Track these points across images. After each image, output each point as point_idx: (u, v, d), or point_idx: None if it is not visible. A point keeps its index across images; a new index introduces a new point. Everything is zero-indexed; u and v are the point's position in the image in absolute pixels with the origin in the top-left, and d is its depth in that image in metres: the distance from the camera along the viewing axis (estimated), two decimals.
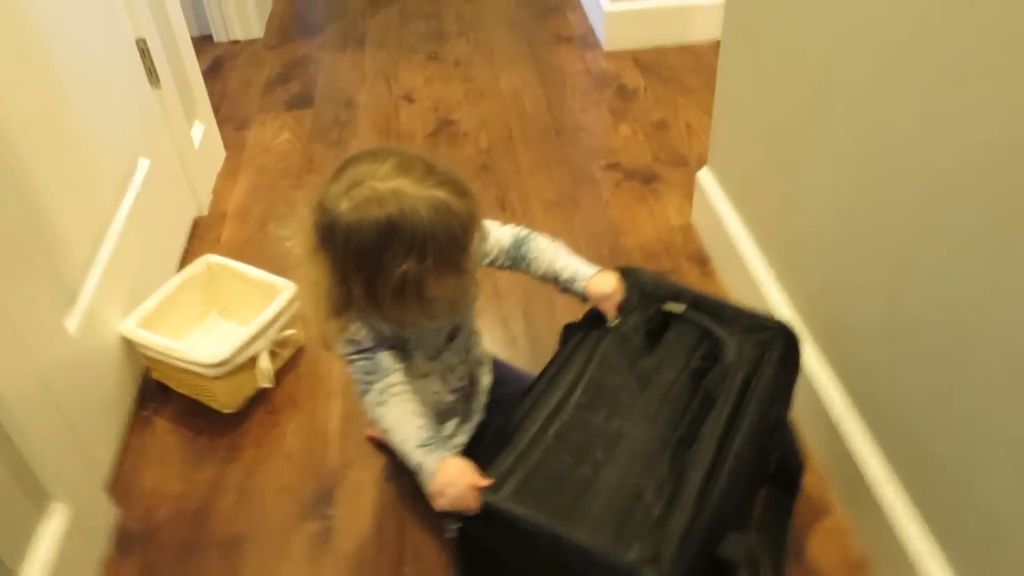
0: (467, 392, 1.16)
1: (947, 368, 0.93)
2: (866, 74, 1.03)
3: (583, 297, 1.10)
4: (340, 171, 0.92)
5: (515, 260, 1.12)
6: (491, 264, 1.12)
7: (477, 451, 0.99)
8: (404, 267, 0.88)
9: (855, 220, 1.10)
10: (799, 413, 1.30)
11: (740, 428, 0.98)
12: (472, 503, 0.91)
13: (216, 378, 1.34)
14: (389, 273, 0.89)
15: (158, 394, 1.47)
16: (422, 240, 0.88)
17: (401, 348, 1.04)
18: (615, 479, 0.92)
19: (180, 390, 1.45)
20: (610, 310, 1.08)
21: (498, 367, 1.24)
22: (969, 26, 0.82)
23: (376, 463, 1.32)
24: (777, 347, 1.08)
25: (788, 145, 1.29)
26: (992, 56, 0.79)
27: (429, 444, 0.96)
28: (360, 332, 1.00)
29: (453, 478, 0.91)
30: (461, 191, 0.91)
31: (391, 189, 0.88)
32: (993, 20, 0.78)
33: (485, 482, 0.92)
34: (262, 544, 1.22)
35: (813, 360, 1.25)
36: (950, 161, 0.87)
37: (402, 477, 1.29)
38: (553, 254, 1.11)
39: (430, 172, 0.91)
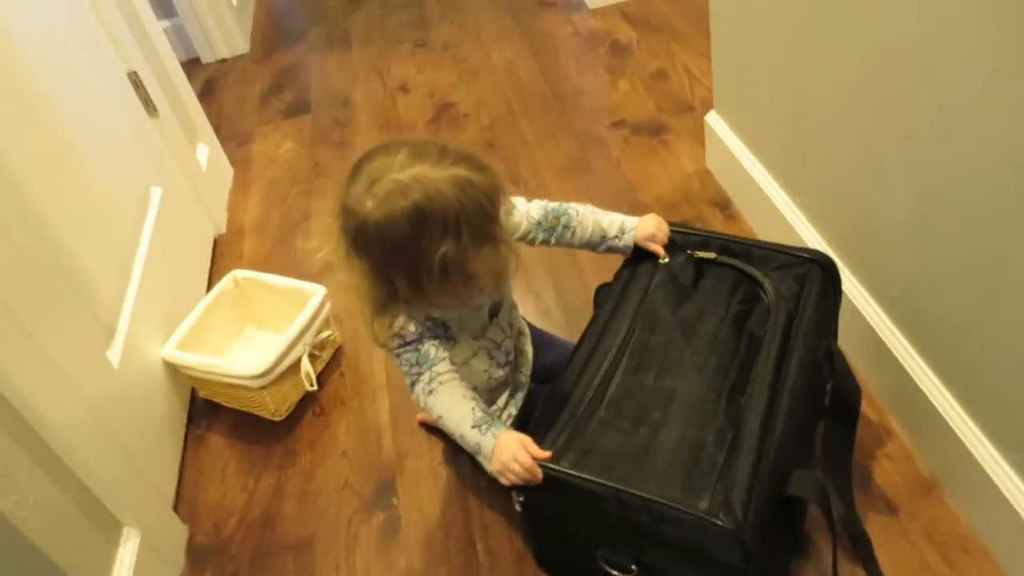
0: (514, 365, 1.17)
1: (987, 280, 0.92)
2: None
3: (629, 249, 1.12)
4: (356, 171, 0.92)
5: (553, 232, 1.12)
6: (523, 239, 1.12)
7: (531, 423, 1.00)
8: (443, 250, 0.88)
9: (871, 142, 1.08)
10: (847, 344, 1.29)
11: (790, 366, 0.98)
12: (536, 475, 0.92)
13: (262, 388, 1.35)
14: (430, 259, 0.89)
15: (207, 411, 1.49)
16: (455, 219, 0.88)
17: (445, 335, 1.04)
18: (675, 435, 0.92)
19: (229, 404, 1.46)
20: (659, 248, 1.11)
21: (535, 335, 1.24)
22: None
23: (432, 449, 1.33)
24: (815, 279, 1.07)
25: (792, 74, 1.27)
26: None
27: (483, 424, 0.97)
28: (407, 325, 1.00)
29: (514, 453, 0.92)
30: (478, 165, 0.92)
31: (412, 176, 0.88)
32: None
33: (545, 454, 0.92)
34: (332, 542, 1.24)
35: (852, 289, 1.24)
36: (962, 66, 0.86)
37: (460, 459, 1.30)
38: (594, 217, 1.13)
39: (444, 153, 0.91)
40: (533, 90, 2.21)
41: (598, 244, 1.14)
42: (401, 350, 1.02)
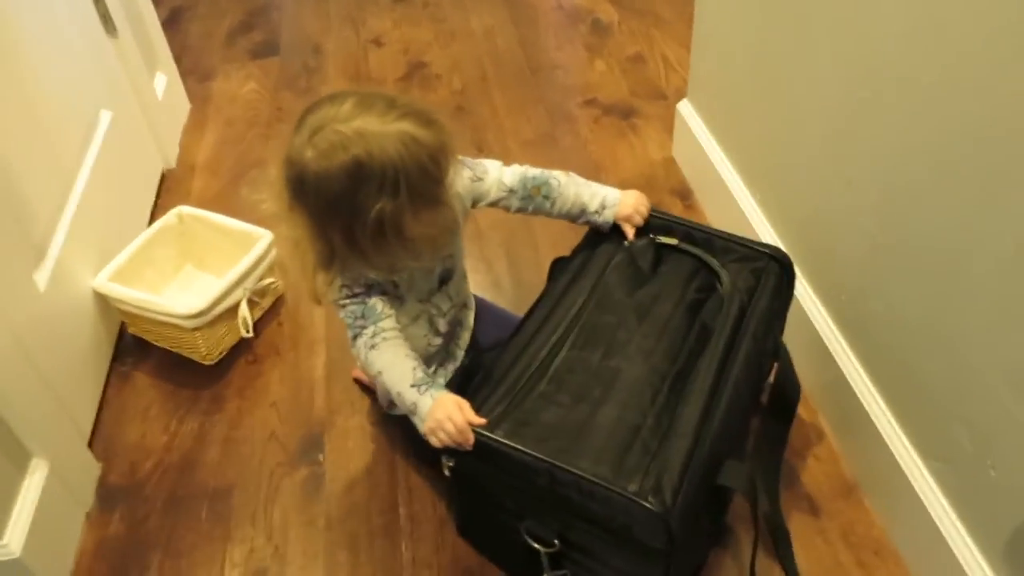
0: (451, 335, 1.14)
1: (936, 290, 0.92)
2: None
3: (608, 225, 1.10)
4: (302, 121, 0.89)
5: (531, 200, 1.09)
6: (494, 205, 1.09)
7: (471, 388, 0.97)
8: (379, 206, 0.85)
9: (841, 144, 1.08)
10: (790, 342, 1.30)
11: (737, 358, 0.97)
12: (468, 438, 0.90)
13: (196, 329, 1.31)
14: (365, 216, 0.86)
15: (136, 349, 1.44)
16: (393, 176, 0.85)
17: (394, 292, 1.02)
18: (613, 415, 0.91)
19: (159, 344, 1.41)
20: (630, 231, 1.09)
21: (481, 307, 1.22)
22: None
23: (364, 407, 1.31)
24: (772, 275, 1.07)
25: (770, 72, 1.26)
26: None
27: (423, 384, 0.95)
28: (350, 281, 0.98)
29: (449, 414, 0.90)
30: (426, 120, 0.88)
31: (354, 129, 0.85)
32: None
33: (480, 420, 0.91)
34: (252, 492, 1.20)
35: (801, 288, 1.24)
36: (934, 77, 0.85)
37: (391, 419, 1.28)
38: (576, 188, 1.10)
39: (391, 106, 0.88)
40: (509, 59, 2.17)
41: (577, 216, 1.11)
42: (347, 301, 0.99)
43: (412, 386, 0.95)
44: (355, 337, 0.99)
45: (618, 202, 1.10)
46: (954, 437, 0.93)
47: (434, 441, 0.92)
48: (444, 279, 1.07)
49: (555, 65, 2.14)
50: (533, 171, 1.09)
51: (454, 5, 2.46)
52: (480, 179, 1.06)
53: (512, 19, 2.35)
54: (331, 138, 0.85)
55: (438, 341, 1.11)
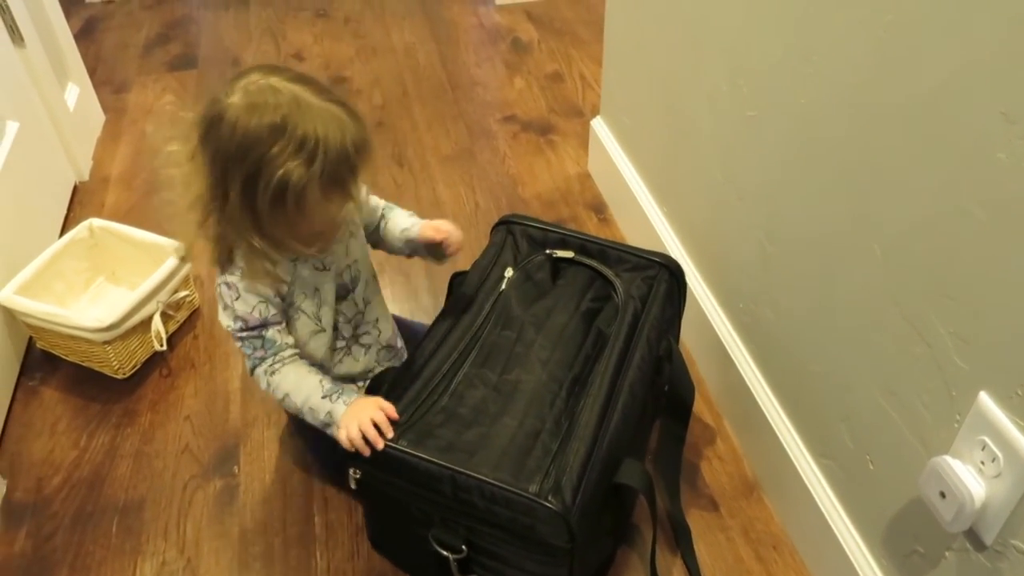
0: (355, 337, 1.15)
1: (816, 297, 0.99)
2: (735, 16, 1.07)
3: (420, 247, 1.12)
4: (235, 77, 0.88)
5: (380, 222, 1.14)
6: (366, 229, 1.13)
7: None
8: (290, 168, 0.84)
9: (732, 159, 1.15)
10: (694, 348, 1.36)
11: (632, 362, 1.02)
12: (384, 430, 0.91)
13: (106, 343, 1.29)
14: (272, 173, 0.84)
15: (44, 363, 1.41)
16: (313, 146, 0.84)
17: (286, 312, 1.02)
18: (513, 424, 0.95)
19: (68, 358, 1.39)
20: (434, 235, 1.10)
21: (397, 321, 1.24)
22: None
23: (280, 419, 1.31)
24: (663, 282, 1.12)
25: (671, 91, 1.33)
26: None
27: (333, 393, 0.96)
28: (249, 307, 0.97)
29: (372, 413, 0.91)
30: (355, 115, 0.90)
31: (290, 92, 0.85)
32: None
33: (396, 416, 0.92)
34: (164, 506, 1.19)
35: (704, 296, 1.31)
36: (811, 96, 0.92)
37: (307, 432, 1.28)
38: (402, 218, 1.14)
39: (328, 91, 0.89)
40: (430, 75, 2.21)
41: (403, 245, 1.14)
42: (244, 334, 0.99)
43: (323, 397, 0.96)
44: (254, 367, 1.00)
45: (423, 224, 1.12)
46: (838, 435, 0.99)
47: (355, 441, 0.91)
48: (347, 289, 1.08)
49: (475, 82, 2.18)
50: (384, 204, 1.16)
51: (375, 21, 2.48)
52: (367, 195, 1.11)
53: (433, 36, 2.39)
54: (265, 92, 0.85)
55: (341, 344, 1.12)
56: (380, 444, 0.92)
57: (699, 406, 1.29)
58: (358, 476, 0.98)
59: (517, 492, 0.87)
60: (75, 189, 1.81)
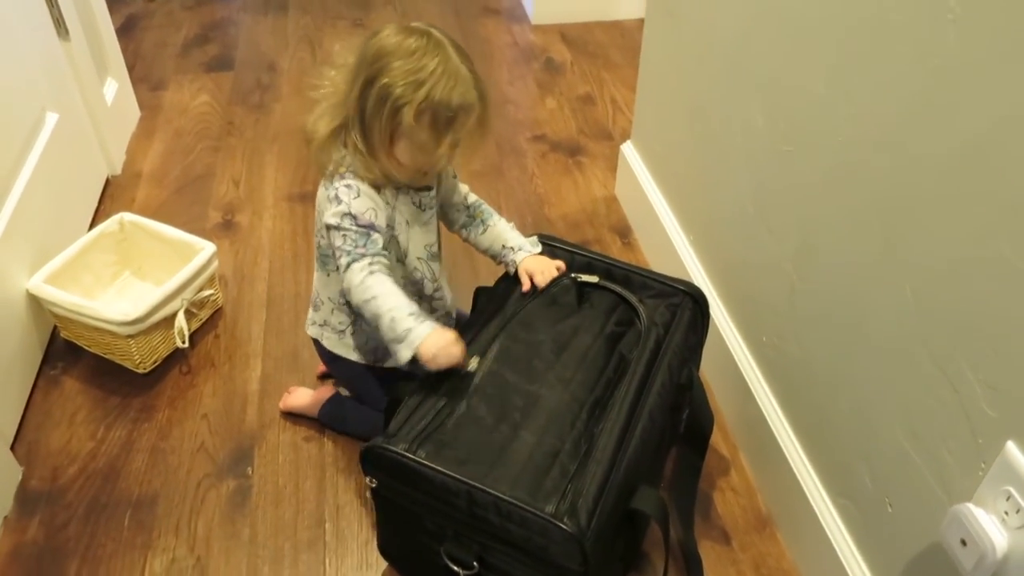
0: (430, 307, 1.20)
1: (843, 337, 0.99)
2: (776, 53, 1.07)
3: (515, 265, 1.16)
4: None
5: (471, 220, 1.20)
6: (447, 212, 1.19)
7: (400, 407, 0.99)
8: (399, 82, 0.95)
9: (766, 195, 1.15)
10: (713, 378, 1.35)
11: (652, 388, 1.01)
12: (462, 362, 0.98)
13: (130, 336, 1.30)
14: (384, 80, 0.96)
15: (68, 354, 1.42)
16: (427, 77, 0.95)
17: (388, 238, 1.08)
18: (532, 440, 0.94)
19: (91, 349, 1.40)
20: (526, 281, 1.14)
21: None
22: (870, 8, 0.86)
23: (296, 423, 1.31)
24: (687, 310, 1.12)
25: (706, 121, 1.33)
26: (892, 36, 0.83)
27: (420, 315, 0.99)
28: (361, 201, 1.03)
29: (448, 344, 0.97)
30: (479, 86, 0.99)
31: (439, 38, 0.98)
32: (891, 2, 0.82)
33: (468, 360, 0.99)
34: (176, 502, 1.20)
35: (726, 327, 1.30)
36: (849, 135, 0.92)
37: (322, 437, 1.29)
38: (505, 227, 1.20)
39: (469, 60, 0.99)
40: None
41: (497, 249, 1.18)
42: (353, 227, 1.02)
43: (410, 314, 0.98)
44: (351, 263, 1.02)
45: (531, 253, 1.16)
46: (857, 474, 0.99)
47: (430, 366, 0.97)
48: (400, 257, 1.12)
49: (507, 99, 2.19)
50: (481, 201, 1.22)
51: None
52: (456, 177, 1.19)
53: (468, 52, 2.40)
54: (420, 28, 0.98)
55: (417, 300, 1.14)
56: (461, 361, 0.98)
57: (715, 437, 1.29)
58: (373, 485, 0.98)
59: (533, 511, 0.87)
60: (107, 183, 1.84)
